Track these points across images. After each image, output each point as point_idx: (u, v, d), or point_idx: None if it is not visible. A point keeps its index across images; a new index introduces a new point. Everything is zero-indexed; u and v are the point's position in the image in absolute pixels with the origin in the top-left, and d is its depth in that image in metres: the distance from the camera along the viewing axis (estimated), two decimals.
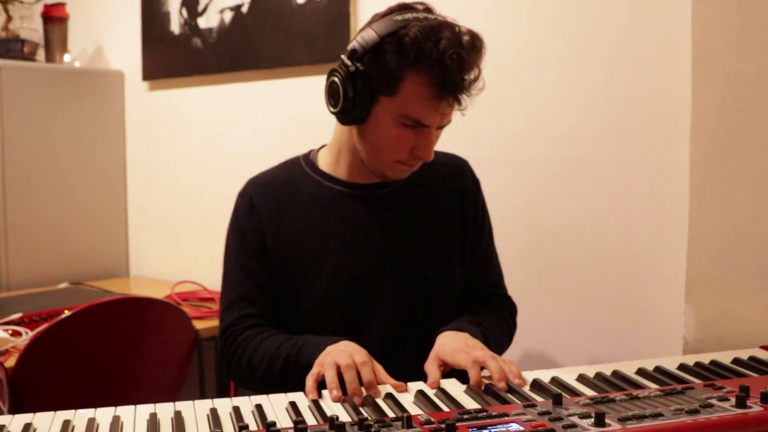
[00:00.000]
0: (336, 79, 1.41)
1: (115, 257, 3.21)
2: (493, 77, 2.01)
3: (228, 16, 2.73)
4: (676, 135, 1.69)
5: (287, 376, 1.39)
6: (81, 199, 3.10)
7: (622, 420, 1.00)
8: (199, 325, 2.25)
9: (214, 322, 2.36)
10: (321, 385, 1.25)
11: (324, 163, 1.56)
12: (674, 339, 1.68)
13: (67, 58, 3.14)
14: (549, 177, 1.99)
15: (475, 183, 1.62)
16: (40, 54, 3.13)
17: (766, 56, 1.50)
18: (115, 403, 1.18)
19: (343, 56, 1.41)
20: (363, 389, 1.22)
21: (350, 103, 1.40)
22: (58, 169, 3.02)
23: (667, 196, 1.76)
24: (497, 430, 0.98)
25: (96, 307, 1.91)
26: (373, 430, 0.96)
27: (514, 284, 1.69)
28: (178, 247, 3.08)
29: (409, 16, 1.37)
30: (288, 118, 2.64)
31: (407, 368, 1.35)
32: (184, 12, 2.88)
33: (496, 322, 1.55)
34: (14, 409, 1.79)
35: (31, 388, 1.85)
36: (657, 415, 1.01)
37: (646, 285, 1.83)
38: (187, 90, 2.96)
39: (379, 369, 1.29)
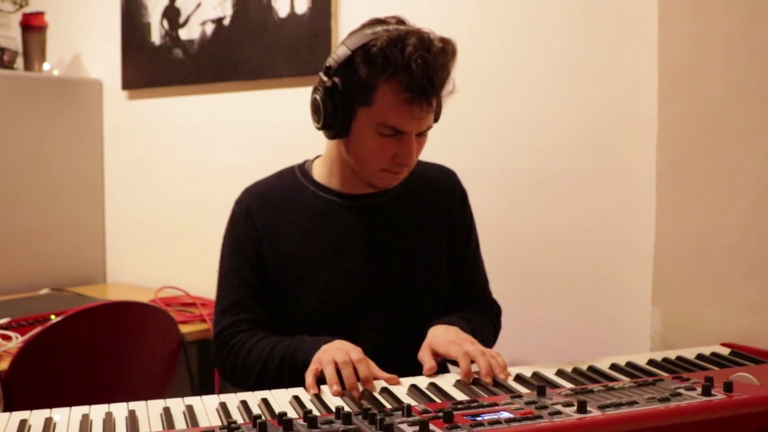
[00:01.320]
0: (317, 96, 1.48)
1: (93, 264, 3.25)
2: (475, 93, 2.13)
3: (210, 28, 2.80)
4: (644, 148, 1.80)
5: (283, 376, 1.45)
6: (58, 207, 3.13)
7: (602, 407, 1.10)
8: (183, 329, 2.31)
9: (198, 326, 2.43)
10: (318, 381, 1.33)
11: (318, 174, 1.61)
12: (642, 338, 1.79)
13: (46, 66, 3.18)
14: (526, 187, 2.10)
15: (462, 193, 1.68)
16: (19, 62, 3.17)
17: (725, 76, 1.62)
18: (106, 403, 1.22)
19: (320, 73, 1.48)
20: (359, 384, 1.30)
21: (330, 117, 1.46)
22: (34, 177, 3.05)
23: (635, 205, 1.87)
24: (490, 417, 1.07)
25: (87, 310, 1.97)
26: (378, 418, 1.04)
27: (491, 289, 1.79)
28: (156, 254, 3.13)
29: (379, 28, 1.43)
30: (268, 128, 2.71)
31: (398, 369, 1.41)
32: (165, 23, 2.94)
33: (482, 320, 1.63)
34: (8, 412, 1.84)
35: (23, 390, 1.89)
36: (632, 403, 1.11)
37: (615, 288, 1.94)
38: (167, 99, 3.02)
39: (373, 365, 1.37)
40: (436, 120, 1.52)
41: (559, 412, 1.08)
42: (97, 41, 3.26)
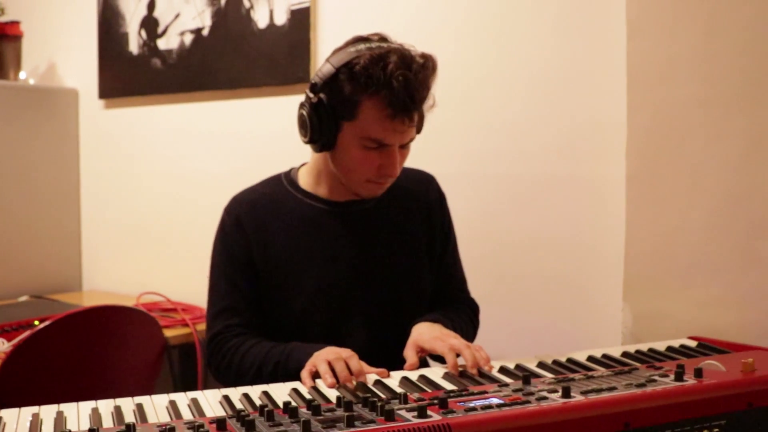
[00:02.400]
0: (303, 112, 1.55)
1: (69, 272, 3.26)
2: (455, 102, 2.22)
3: (188, 39, 2.85)
4: (614, 154, 1.90)
5: (276, 381, 1.48)
6: (34, 215, 3.14)
7: (584, 393, 1.18)
8: (165, 333, 2.35)
9: (180, 331, 2.47)
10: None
11: (305, 182, 1.68)
12: (614, 334, 1.89)
13: (22, 75, 3.20)
14: (503, 191, 2.19)
15: (441, 197, 1.76)
16: None
17: (690, 85, 1.72)
18: None
19: (306, 90, 1.55)
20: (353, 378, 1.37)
21: (317, 132, 1.53)
22: (10, 185, 3.06)
23: (606, 207, 1.97)
24: (482, 403, 1.15)
25: (75, 314, 2.01)
26: (378, 405, 1.10)
27: (470, 288, 1.87)
28: (132, 262, 3.15)
29: (362, 46, 1.50)
30: (246, 136, 2.76)
31: (384, 367, 1.46)
32: (143, 33, 2.98)
33: (462, 318, 1.71)
34: None
35: (13, 393, 1.92)
36: (612, 389, 1.20)
37: (588, 286, 2.04)
38: (145, 108, 3.06)
39: (363, 363, 1.44)
40: (418, 131, 1.60)
41: (545, 398, 1.16)
42: (72, 50, 3.28)
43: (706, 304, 1.73)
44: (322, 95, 1.52)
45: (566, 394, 1.17)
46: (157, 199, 3.05)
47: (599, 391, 1.19)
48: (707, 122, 1.71)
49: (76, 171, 3.28)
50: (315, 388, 1.34)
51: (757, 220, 1.66)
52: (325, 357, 1.41)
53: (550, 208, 2.10)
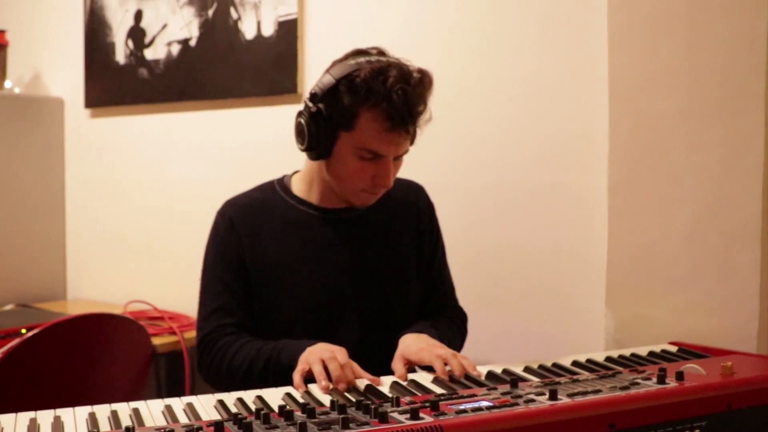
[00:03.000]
0: (301, 120, 1.59)
1: (53, 281, 3.26)
2: (440, 113, 2.24)
3: (176, 49, 2.87)
4: (596, 163, 1.95)
5: (268, 378, 1.53)
6: (19, 224, 3.14)
7: (571, 395, 1.22)
8: (152, 341, 2.37)
9: (167, 339, 2.49)
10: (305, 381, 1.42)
11: (297, 189, 1.71)
12: (597, 339, 1.93)
13: (7, 84, 3.20)
14: (489, 200, 2.23)
15: (429, 206, 1.80)
16: None
17: (671, 97, 1.77)
18: None
19: (305, 100, 1.59)
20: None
21: (314, 140, 1.57)
22: None
23: (589, 216, 2.02)
24: (472, 405, 1.18)
25: (64, 322, 2.02)
26: (372, 407, 1.13)
27: (457, 296, 1.90)
28: (117, 270, 3.16)
29: (361, 59, 1.55)
30: (233, 147, 2.79)
31: (373, 372, 1.49)
32: (130, 43, 3.00)
33: (449, 327, 1.74)
34: None
35: (2, 400, 1.93)
36: (597, 391, 1.24)
37: (572, 293, 2.08)
38: (131, 118, 3.07)
39: (356, 367, 1.46)
40: (411, 144, 1.63)
41: (533, 400, 1.20)
42: (58, 60, 3.29)
43: (686, 310, 1.77)
44: (321, 105, 1.55)
45: (553, 396, 1.20)
46: (142, 208, 3.06)
47: (585, 393, 1.23)
48: (687, 133, 1.76)
49: (61, 180, 3.28)
50: (308, 393, 1.36)
51: (735, 228, 1.71)
52: (319, 356, 1.42)
53: (535, 217, 2.15)
